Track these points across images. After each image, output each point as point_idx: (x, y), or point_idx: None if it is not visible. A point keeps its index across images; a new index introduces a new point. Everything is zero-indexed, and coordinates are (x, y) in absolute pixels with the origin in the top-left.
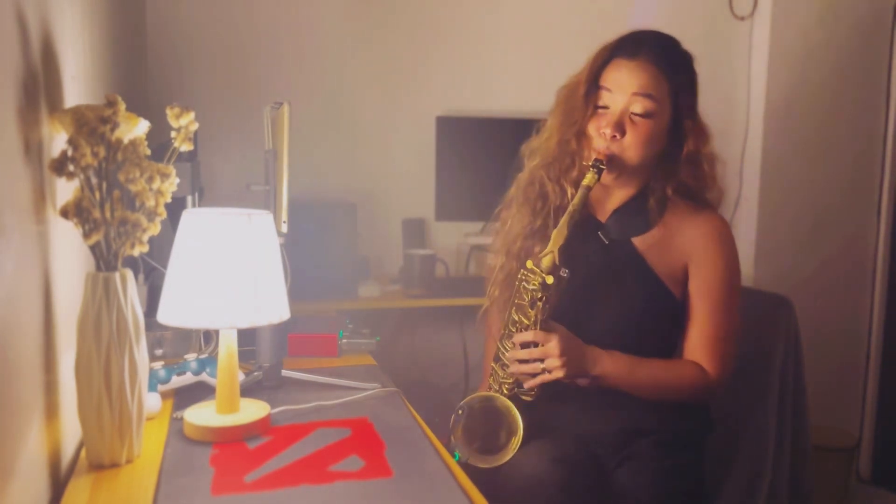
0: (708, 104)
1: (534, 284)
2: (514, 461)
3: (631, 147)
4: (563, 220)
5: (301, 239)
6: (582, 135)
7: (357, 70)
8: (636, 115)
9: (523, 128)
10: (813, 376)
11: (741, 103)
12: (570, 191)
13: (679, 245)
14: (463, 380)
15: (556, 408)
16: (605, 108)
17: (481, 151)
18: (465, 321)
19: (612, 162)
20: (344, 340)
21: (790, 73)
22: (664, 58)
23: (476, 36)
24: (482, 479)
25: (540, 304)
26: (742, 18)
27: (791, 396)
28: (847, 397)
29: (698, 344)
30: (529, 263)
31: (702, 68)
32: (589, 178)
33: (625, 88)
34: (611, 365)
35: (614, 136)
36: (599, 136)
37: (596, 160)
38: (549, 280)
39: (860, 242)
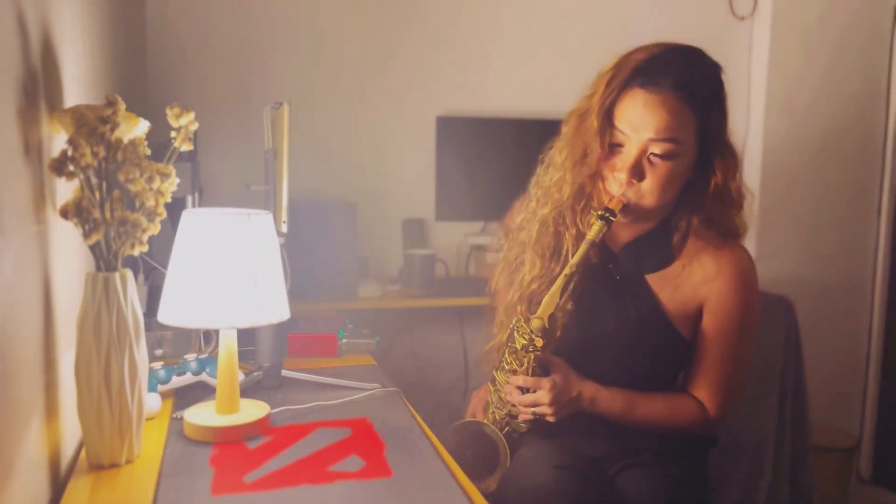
0: None
1: (524, 339)
2: (516, 469)
3: (650, 192)
4: (557, 284)
5: (301, 239)
6: (597, 175)
7: (357, 70)
8: (656, 155)
9: (523, 128)
10: (813, 376)
11: (741, 103)
12: (584, 233)
13: (696, 284)
14: (463, 380)
15: (554, 431)
16: (621, 145)
17: (481, 151)
18: (465, 321)
19: (628, 208)
20: (344, 340)
21: (790, 73)
22: (690, 86)
23: (476, 36)
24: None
25: (531, 356)
26: (742, 18)
27: (791, 396)
28: (847, 397)
29: (703, 384)
30: (521, 320)
31: None
32: (595, 231)
33: (641, 132)
34: (606, 405)
35: (631, 182)
36: (615, 179)
37: (606, 209)
38: (539, 343)
39: (860, 242)
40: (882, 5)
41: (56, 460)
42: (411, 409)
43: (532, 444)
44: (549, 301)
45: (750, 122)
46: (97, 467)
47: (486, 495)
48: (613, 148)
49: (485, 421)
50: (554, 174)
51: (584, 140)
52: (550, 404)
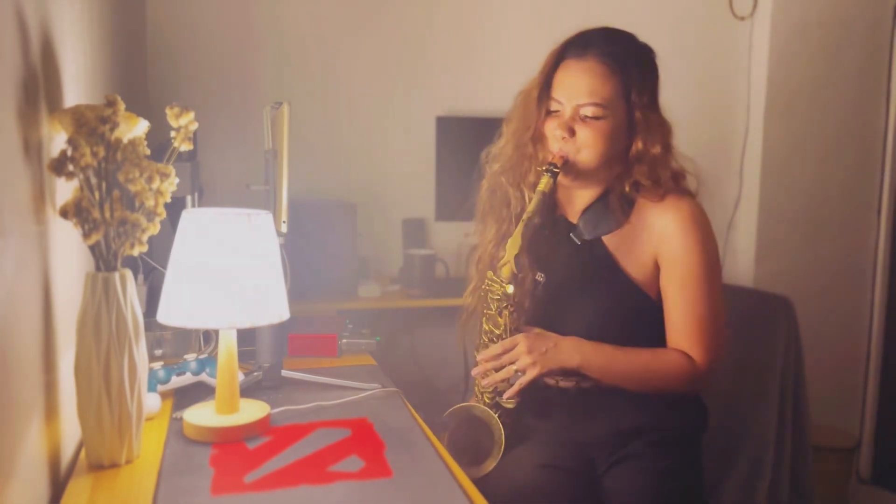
0: (708, 104)
1: (497, 294)
2: (503, 468)
3: (584, 147)
4: (518, 228)
5: (301, 239)
6: (538, 138)
7: (357, 70)
8: (587, 117)
9: None
10: (813, 376)
11: (741, 103)
12: (528, 195)
13: (645, 239)
14: (463, 380)
15: (544, 414)
16: (557, 112)
17: (481, 151)
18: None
19: (568, 164)
20: (344, 340)
21: (790, 73)
22: (613, 55)
23: (476, 36)
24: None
25: (506, 312)
26: (742, 18)
27: (791, 396)
28: (847, 397)
29: (679, 333)
30: (490, 274)
31: (702, 68)
32: (544, 182)
33: (570, 97)
34: (590, 353)
35: (565, 137)
36: (553, 137)
37: (550, 164)
38: (509, 289)
39: (860, 242)
40: (882, 5)
41: (56, 460)
42: (411, 409)
43: (519, 443)
44: (512, 244)
45: (750, 122)
46: (97, 467)
47: (484, 478)
48: (551, 114)
49: (473, 403)
50: (501, 141)
51: (526, 109)
52: (528, 352)
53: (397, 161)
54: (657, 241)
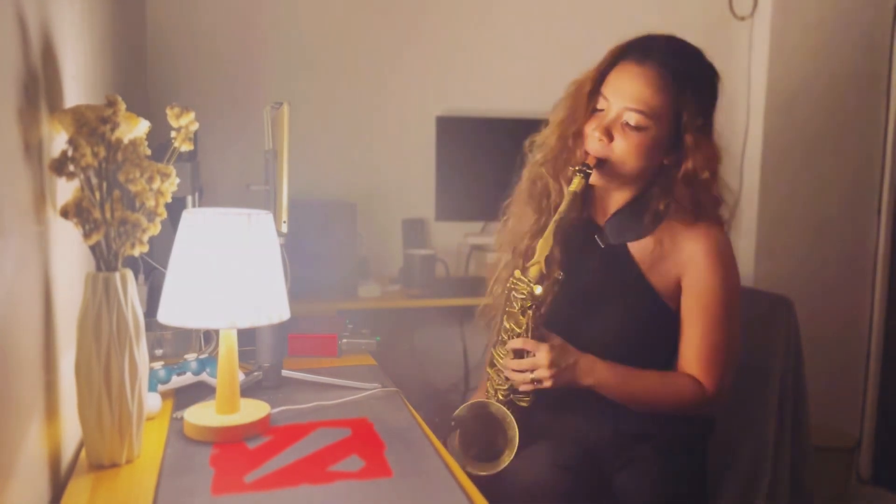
0: None
1: (523, 293)
2: (513, 467)
3: (621, 154)
4: (549, 228)
5: (301, 239)
6: (579, 133)
7: (357, 70)
8: (629, 125)
9: (523, 128)
10: (813, 376)
11: (741, 103)
12: (565, 189)
13: (673, 259)
14: (463, 380)
15: (554, 413)
16: (603, 110)
17: (481, 151)
18: (465, 321)
19: (603, 166)
20: (344, 340)
21: (790, 73)
22: (673, 68)
23: (476, 36)
24: (482, 486)
25: (530, 312)
26: (742, 18)
27: (791, 396)
28: (847, 397)
29: (693, 359)
30: (518, 273)
31: None
32: (576, 182)
33: (619, 99)
34: (604, 375)
35: (601, 139)
36: (591, 136)
37: (583, 164)
38: (537, 290)
39: (860, 242)
40: (882, 5)
41: (56, 460)
42: (411, 409)
43: (531, 445)
44: (543, 244)
45: (750, 122)
46: (97, 467)
47: (495, 476)
48: (596, 111)
49: (489, 400)
50: (546, 130)
51: (574, 101)
52: (549, 366)
53: (397, 161)
54: (683, 264)
